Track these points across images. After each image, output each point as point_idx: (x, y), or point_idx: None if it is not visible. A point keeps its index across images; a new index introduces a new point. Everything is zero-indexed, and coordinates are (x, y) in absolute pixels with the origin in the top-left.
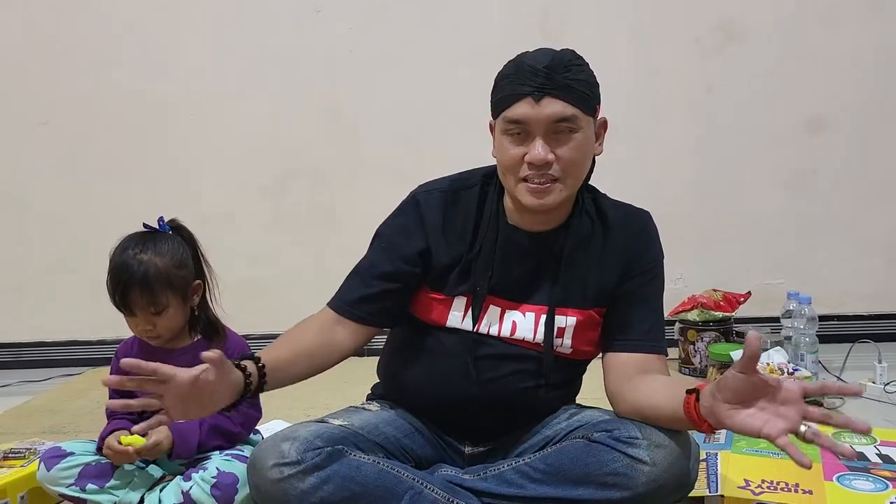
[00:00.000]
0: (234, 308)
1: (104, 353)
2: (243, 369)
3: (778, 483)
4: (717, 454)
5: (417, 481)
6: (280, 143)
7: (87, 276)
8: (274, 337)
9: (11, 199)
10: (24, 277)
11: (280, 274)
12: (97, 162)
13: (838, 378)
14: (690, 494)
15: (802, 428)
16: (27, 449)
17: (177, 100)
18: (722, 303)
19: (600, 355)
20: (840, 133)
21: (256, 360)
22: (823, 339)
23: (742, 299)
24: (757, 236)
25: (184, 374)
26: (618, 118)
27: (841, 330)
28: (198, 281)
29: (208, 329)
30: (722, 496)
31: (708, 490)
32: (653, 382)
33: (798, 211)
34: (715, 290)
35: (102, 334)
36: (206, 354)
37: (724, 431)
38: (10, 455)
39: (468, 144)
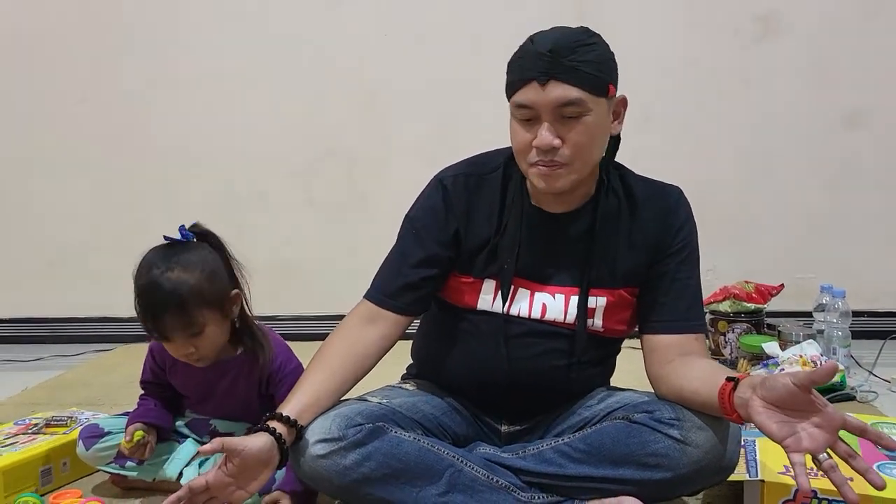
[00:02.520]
0: (263, 289)
1: (137, 329)
2: (272, 431)
3: (818, 471)
4: (754, 441)
5: (457, 459)
6: (313, 126)
7: (121, 252)
8: (302, 320)
9: (50, 174)
10: (60, 253)
11: (311, 256)
12: (134, 139)
13: (870, 372)
14: (730, 479)
15: (822, 456)
16: (68, 417)
17: (212, 79)
18: (754, 294)
19: (638, 338)
20: (878, 128)
21: (286, 419)
22: (855, 335)
23: (774, 291)
24: (790, 229)
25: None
26: (654, 107)
27: (874, 326)
28: (235, 291)
29: (251, 342)
30: (762, 481)
31: (748, 475)
32: (694, 365)
33: (833, 205)
34: (747, 282)
35: (133, 311)
36: (204, 449)
37: None
38: (52, 423)
39: (501, 127)
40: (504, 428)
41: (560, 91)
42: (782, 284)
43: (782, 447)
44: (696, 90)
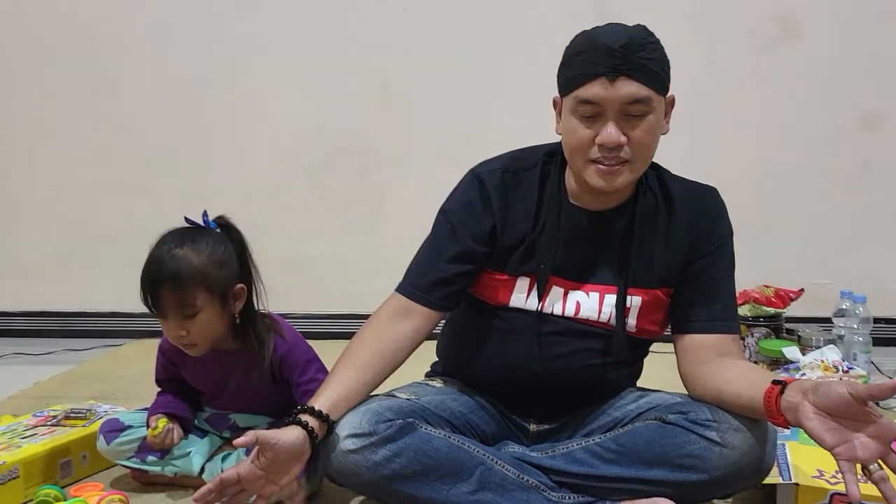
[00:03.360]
0: (276, 285)
1: (147, 325)
2: (304, 425)
3: (867, 480)
4: (784, 444)
5: (488, 457)
6: (330, 121)
7: (133, 247)
8: (314, 317)
9: (61, 167)
10: (71, 247)
11: (324, 253)
12: (147, 133)
13: (891, 379)
14: (763, 482)
15: (873, 466)
16: (87, 410)
17: (227, 74)
18: (774, 299)
19: (670, 337)
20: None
21: (318, 413)
22: (875, 341)
23: (794, 296)
24: (809, 234)
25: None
26: (674, 111)
27: (894, 333)
28: (240, 285)
29: (253, 339)
30: (796, 485)
31: (781, 478)
32: (732, 367)
33: (852, 210)
34: (766, 286)
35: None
36: (239, 441)
37: None
38: (71, 415)
39: (519, 127)
40: (532, 427)
41: (631, 88)
42: (802, 289)
43: (833, 454)
44: (714, 92)
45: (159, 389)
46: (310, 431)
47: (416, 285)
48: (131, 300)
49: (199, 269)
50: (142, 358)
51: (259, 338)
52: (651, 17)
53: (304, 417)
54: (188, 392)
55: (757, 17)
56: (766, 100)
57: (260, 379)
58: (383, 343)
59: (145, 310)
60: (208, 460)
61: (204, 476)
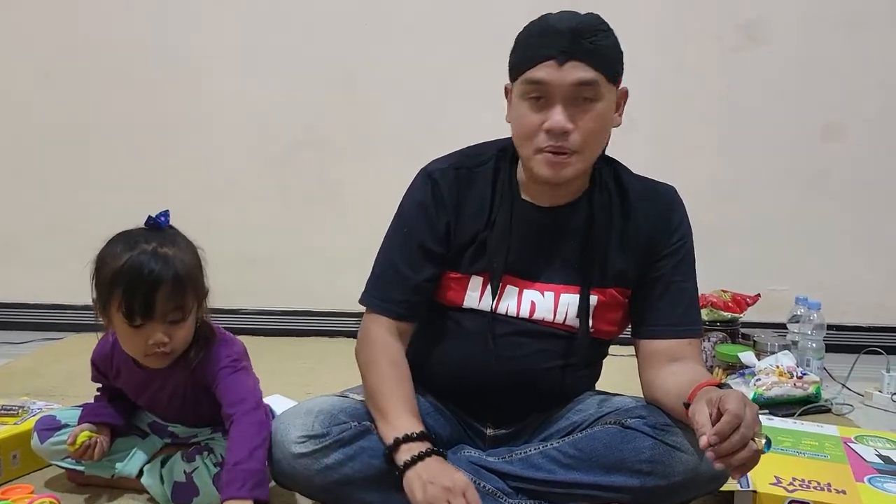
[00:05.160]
0: (228, 282)
1: (87, 318)
2: (439, 452)
3: (810, 482)
4: None
5: None
6: (289, 114)
7: (76, 238)
8: (267, 313)
9: (4, 153)
10: (13, 236)
11: (281, 249)
12: (98, 121)
13: (843, 385)
14: (721, 488)
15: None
16: (20, 406)
17: (184, 61)
18: (730, 304)
19: (629, 339)
20: (855, 140)
21: (423, 434)
22: (826, 348)
23: (751, 301)
24: (765, 240)
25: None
26: (635, 113)
27: (845, 340)
28: (207, 289)
29: (198, 347)
30: (754, 491)
31: (739, 485)
32: (674, 371)
33: (809, 217)
34: (724, 291)
35: (86, 299)
36: None
37: None
38: (1, 412)
39: (485, 122)
40: (489, 431)
41: (580, 72)
42: (759, 294)
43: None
44: (678, 95)
45: (99, 386)
46: (441, 454)
47: (393, 301)
48: (72, 292)
49: (192, 272)
50: (82, 352)
51: (205, 338)
52: (619, 20)
53: (427, 444)
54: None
55: (723, 22)
56: (730, 105)
57: (196, 391)
58: (399, 368)
59: (86, 302)
60: (147, 463)
61: (142, 479)
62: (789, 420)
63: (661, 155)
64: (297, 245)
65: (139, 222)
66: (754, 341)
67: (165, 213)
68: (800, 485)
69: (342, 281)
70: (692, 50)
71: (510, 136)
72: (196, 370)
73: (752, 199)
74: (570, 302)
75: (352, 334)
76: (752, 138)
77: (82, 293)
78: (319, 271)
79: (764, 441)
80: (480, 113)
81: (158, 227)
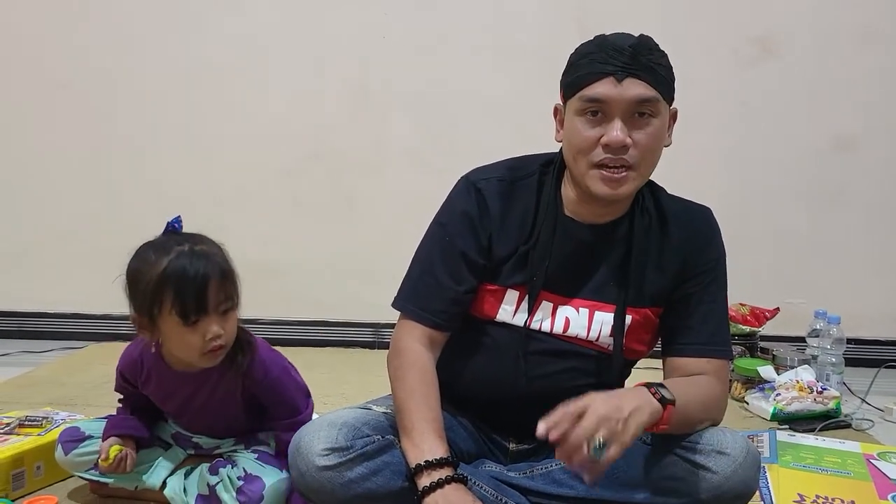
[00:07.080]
0: (243, 292)
1: (108, 328)
2: (460, 477)
3: (833, 499)
4: (765, 468)
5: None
6: (304, 125)
7: (96, 246)
8: (282, 323)
9: (25, 162)
10: (32, 244)
11: (295, 259)
12: (114, 131)
13: (863, 400)
14: None
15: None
16: (43, 417)
17: (201, 73)
18: (749, 317)
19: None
20: (871, 153)
21: (448, 460)
22: (846, 362)
23: (769, 315)
24: (783, 254)
25: None
26: None
27: (864, 354)
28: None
29: (228, 359)
30: None
31: (763, 502)
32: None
33: (826, 230)
34: (742, 305)
35: (107, 309)
36: None
37: (767, 445)
38: (26, 423)
39: (498, 137)
40: (512, 446)
41: (639, 88)
42: (777, 308)
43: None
44: (693, 109)
45: (120, 397)
46: (464, 480)
47: (430, 310)
48: (93, 302)
49: (230, 263)
50: (104, 361)
51: (241, 352)
52: (633, 33)
53: (448, 471)
54: (150, 404)
55: (737, 36)
56: (744, 119)
57: (227, 400)
58: (428, 384)
59: (107, 312)
60: (171, 474)
61: (165, 491)
62: (811, 436)
63: (678, 170)
64: (311, 256)
65: (157, 231)
66: (773, 355)
67: (178, 220)
68: (823, 502)
69: (351, 290)
70: (706, 62)
71: (552, 151)
72: (246, 375)
73: (769, 211)
74: (604, 320)
75: (367, 345)
76: (768, 151)
77: (102, 303)
78: (333, 282)
79: (595, 445)
80: (492, 127)
81: (177, 231)
